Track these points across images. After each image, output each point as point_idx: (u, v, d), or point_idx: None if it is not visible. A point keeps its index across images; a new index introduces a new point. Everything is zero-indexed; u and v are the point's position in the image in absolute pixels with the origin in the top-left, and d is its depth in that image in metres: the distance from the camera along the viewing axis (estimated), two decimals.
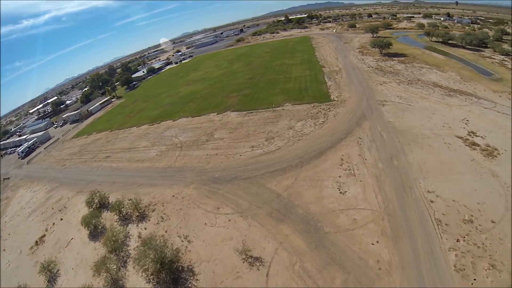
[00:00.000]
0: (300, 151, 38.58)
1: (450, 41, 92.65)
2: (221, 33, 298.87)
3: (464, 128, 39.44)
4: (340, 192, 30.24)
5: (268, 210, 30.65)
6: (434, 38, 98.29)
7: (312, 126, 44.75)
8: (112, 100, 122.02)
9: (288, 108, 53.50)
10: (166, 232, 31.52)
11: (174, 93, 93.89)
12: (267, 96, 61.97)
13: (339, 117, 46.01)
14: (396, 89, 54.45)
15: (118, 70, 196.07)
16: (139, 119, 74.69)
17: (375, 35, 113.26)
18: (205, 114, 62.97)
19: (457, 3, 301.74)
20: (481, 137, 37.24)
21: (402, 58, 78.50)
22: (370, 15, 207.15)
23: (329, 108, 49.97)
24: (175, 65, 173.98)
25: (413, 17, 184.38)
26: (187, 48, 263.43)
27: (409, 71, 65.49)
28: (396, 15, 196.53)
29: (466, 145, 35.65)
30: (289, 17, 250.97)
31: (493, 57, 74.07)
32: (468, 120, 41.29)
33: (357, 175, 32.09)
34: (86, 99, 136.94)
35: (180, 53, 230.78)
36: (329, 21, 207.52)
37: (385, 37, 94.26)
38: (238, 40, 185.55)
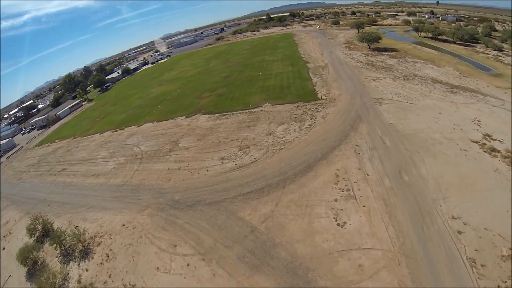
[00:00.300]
0: (282, 165, 30.14)
1: (439, 37, 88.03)
2: (202, 33, 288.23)
3: (477, 130, 32.74)
4: (338, 224, 22.08)
5: (239, 251, 22.05)
6: (423, 34, 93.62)
7: (297, 130, 36.48)
8: (83, 103, 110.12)
9: (268, 109, 45.14)
10: (109, 277, 23.30)
11: (145, 94, 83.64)
12: (243, 95, 53.42)
13: (329, 119, 38.07)
14: (392, 86, 47.47)
15: (95, 72, 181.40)
16: (103, 125, 64.40)
17: (360, 31, 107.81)
18: (173, 117, 53.46)
19: (437, 2, 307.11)
20: (499, 140, 30.63)
21: (393, 53, 72.54)
22: (353, 13, 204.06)
23: (316, 108, 41.99)
24: (151, 65, 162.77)
25: (397, 14, 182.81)
26: (167, 48, 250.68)
27: (403, 66, 59.08)
28: (379, 13, 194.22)
29: (485, 152, 28.84)
30: (271, 16, 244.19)
31: (486, 52, 69.38)
32: (479, 121, 34.71)
33: (358, 198, 24.06)
34: (57, 102, 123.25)
35: (158, 53, 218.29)
36: (312, 19, 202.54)
37: (371, 32, 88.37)
38: (218, 39, 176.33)
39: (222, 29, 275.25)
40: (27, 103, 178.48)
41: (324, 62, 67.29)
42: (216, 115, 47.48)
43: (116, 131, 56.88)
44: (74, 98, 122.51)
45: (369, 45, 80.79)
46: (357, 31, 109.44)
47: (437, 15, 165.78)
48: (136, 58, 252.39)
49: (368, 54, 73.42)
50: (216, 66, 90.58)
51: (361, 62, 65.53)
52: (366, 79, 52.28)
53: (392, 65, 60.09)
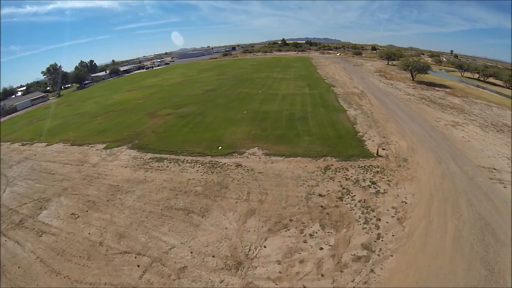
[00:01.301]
0: None
1: (487, 80, 66.48)
2: (212, 48, 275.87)
3: None
4: None
5: None
6: (467, 74, 72.44)
7: (325, 270, 11.39)
8: (50, 98, 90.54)
9: (254, 162, 20.81)
10: None
11: (104, 100, 61.33)
12: (219, 122, 29.72)
13: (417, 229, 13.18)
14: (486, 139, 23.88)
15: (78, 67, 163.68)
16: (27, 132, 42.17)
17: (391, 63, 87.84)
18: (90, 143, 29.63)
19: (452, 51, 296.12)
20: None
21: (448, 90, 50.00)
22: (374, 48, 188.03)
23: (372, 183, 17.21)
24: (145, 70, 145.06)
25: (420, 55, 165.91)
26: (172, 58, 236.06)
27: (475, 108, 36.05)
28: (400, 51, 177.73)
29: None
30: (286, 41, 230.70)
31: None
32: None
33: None
34: (27, 91, 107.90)
35: (159, 60, 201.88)
36: (330, 49, 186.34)
37: (418, 60, 67.15)
38: (225, 54, 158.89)
39: (233, 48, 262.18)
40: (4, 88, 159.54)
41: (357, 88, 44.67)
42: (150, 155, 23.36)
43: (25, 144, 33.88)
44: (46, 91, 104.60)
45: (413, 76, 59.01)
46: (387, 63, 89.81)
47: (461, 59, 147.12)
48: (141, 62, 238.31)
49: (416, 87, 50.85)
50: (206, 77, 68.58)
51: (412, 95, 42.62)
52: (439, 123, 28.78)
53: (461, 105, 37.02)
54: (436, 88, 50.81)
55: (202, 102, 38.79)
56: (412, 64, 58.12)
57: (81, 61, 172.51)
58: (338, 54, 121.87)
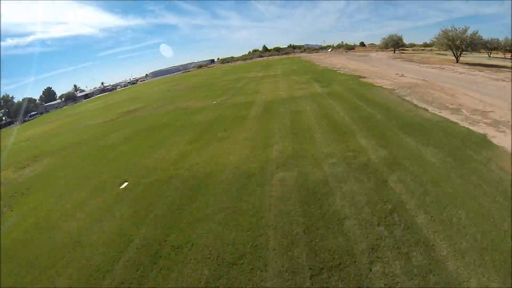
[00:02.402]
0: None
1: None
2: (190, 63, 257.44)
3: None
4: None
5: None
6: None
7: None
8: None
9: None
10: None
11: None
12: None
13: None
14: None
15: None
16: None
17: (397, 52, 69.56)
18: None
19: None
20: None
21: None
22: (362, 44, 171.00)
23: None
24: (108, 92, 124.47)
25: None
26: (146, 77, 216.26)
27: None
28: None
29: None
30: (267, 47, 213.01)
31: None
32: None
33: None
34: None
35: (129, 80, 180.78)
36: (316, 51, 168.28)
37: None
38: (200, 66, 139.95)
39: (212, 61, 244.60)
40: None
41: (407, 77, 23.20)
42: None
43: None
44: None
45: (457, 58, 38.57)
46: (393, 51, 70.74)
47: None
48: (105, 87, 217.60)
49: (483, 70, 29.81)
50: (153, 91, 46.57)
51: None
52: None
53: None
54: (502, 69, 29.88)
55: (73, 147, 16.22)
56: (462, 39, 37.25)
57: (48, 87, 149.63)
58: (330, 51, 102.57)
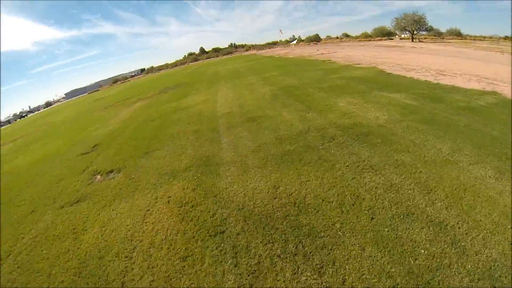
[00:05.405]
0: None
1: None
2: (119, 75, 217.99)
3: None
4: None
5: None
6: None
7: None
8: None
9: None
10: None
11: None
12: None
13: None
14: None
15: None
16: None
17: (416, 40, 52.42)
18: None
19: None
20: None
21: None
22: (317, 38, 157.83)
23: None
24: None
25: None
26: (60, 99, 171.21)
27: None
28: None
29: None
30: (205, 49, 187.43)
31: None
32: None
33: None
34: None
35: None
36: (269, 47, 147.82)
37: None
38: (114, 82, 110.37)
39: (142, 70, 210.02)
40: None
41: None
42: None
43: None
44: None
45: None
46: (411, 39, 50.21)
47: None
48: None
49: None
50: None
51: None
52: None
53: None
54: None
55: None
56: None
57: None
58: (294, 43, 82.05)
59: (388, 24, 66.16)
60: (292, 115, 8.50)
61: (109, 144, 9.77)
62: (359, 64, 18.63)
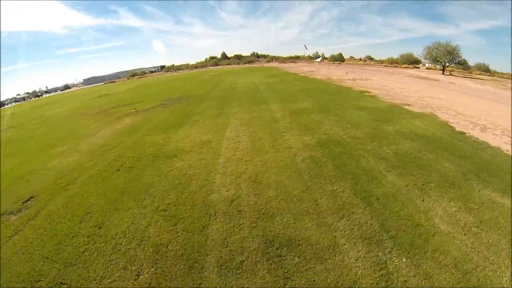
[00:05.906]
0: None
1: None
2: (137, 69, 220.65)
3: None
4: None
5: None
6: None
7: None
8: None
9: None
10: None
11: None
12: None
13: None
14: None
15: None
16: None
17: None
18: None
19: None
20: None
21: None
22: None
23: None
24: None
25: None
26: (75, 85, 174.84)
27: None
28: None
29: None
30: (227, 55, 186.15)
31: None
32: None
33: None
34: None
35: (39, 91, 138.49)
36: (292, 58, 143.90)
37: None
38: (132, 75, 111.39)
39: (163, 67, 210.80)
40: None
41: None
42: None
43: None
44: None
45: None
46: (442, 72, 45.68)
47: None
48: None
49: None
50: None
51: None
52: None
53: None
54: None
55: None
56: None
57: None
58: (318, 61, 77.14)
59: (412, 50, 62.52)
60: (359, 250, 4.20)
61: (44, 205, 5.96)
62: (408, 105, 14.28)
